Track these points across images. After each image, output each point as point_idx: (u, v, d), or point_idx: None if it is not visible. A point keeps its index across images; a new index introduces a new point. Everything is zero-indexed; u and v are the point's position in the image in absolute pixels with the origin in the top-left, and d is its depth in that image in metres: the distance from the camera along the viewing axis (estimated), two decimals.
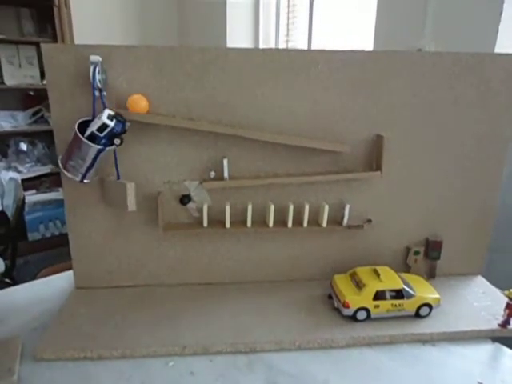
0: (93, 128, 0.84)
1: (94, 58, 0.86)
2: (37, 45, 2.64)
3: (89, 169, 0.88)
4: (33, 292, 1.06)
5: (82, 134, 0.84)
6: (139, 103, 0.90)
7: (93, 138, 0.84)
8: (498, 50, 1.46)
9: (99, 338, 0.85)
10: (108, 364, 0.80)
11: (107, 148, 0.86)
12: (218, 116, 0.95)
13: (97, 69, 0.86)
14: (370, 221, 1.06)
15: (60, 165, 0.89)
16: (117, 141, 0.86)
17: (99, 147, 0.85)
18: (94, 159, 0.86)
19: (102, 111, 0.85)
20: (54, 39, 2.58)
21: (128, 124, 0.87)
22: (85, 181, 0.90)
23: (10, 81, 2.63)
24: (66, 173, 0.89)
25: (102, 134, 0.84)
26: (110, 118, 0.84)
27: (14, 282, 1.83)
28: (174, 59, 0.91)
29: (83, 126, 0.86)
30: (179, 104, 0.94)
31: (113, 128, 0.84)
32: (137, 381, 0.76)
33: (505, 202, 1.19)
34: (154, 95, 0.93)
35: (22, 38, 2.63)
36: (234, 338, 0.86)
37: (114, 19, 3.14)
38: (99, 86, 0.87)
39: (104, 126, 0.83)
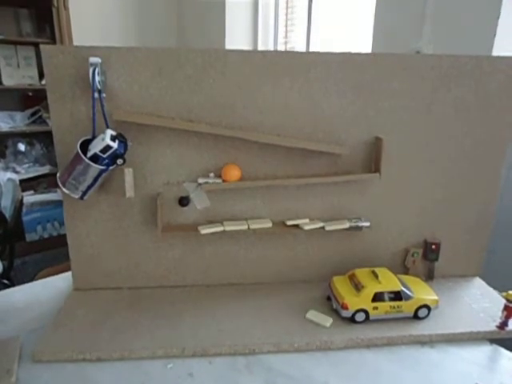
0: (96, 149, 0.84)
1: (93, 59, 0.86)
2: (35, 45, 2.63)
3: (89, 187, 0.88)
4: (31, 293, 1.06)
5: (84, 152, 0.84)
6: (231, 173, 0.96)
7: (95, 158, 0.85)
8: (495, 53, 1.47)
9: (98, 339, 0.85)
10: (107, 366, 0.80)
11: (110, 168, 0.87)
12: (218, 118, 0.96)
13: (96, 70, 0.86)
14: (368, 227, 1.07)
15: (59, 182, 0.89)
16: (120, 161, 0.87)
17: (102, 168, 0.85)
18: (96, 179, 0.87)
19: (103, 131, 0.85)
20: (53, 40, 2.58)
21: (130, 144, 0.88)
22: (84, 198, 0.90)
23: (8, 81, 2.62)
24: (64, 190, 0.89)
25: (105, 155, 0.85)
26: (113, 138, 0.84)
27: (12, 283, 1.82)
28: (174, 61, 0.91)
29: (83, 144, 0.86)
30: (179, 106, 0.94)
31: (116, 149, 0.85)
32: (136, 383, 0.76)
33: (503, 204, 1.19)
34: (154, 97, 0.93)
35: (21, 39, 2.62)
36: (233, 340, 0.86)
37: (113, 20, 3.13)
38: (99, 87, 0.87)
39: (107, 148, 0.84)
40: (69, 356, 0.81)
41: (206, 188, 0.98)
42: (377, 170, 1.01)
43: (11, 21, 2.62)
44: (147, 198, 1.00)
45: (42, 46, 0.88)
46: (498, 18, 1.44)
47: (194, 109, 0.95)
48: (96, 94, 0.87)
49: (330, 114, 0.99)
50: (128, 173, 0.90)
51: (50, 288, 1.08)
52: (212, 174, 0.98)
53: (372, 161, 1.02)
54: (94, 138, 0.88)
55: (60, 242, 1.35)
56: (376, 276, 0.94)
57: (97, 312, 0.95)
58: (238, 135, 0.95)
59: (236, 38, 2.98)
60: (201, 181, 0.98)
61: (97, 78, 0.86)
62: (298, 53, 0.97)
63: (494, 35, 1.46)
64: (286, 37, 2.90)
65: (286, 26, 2.88)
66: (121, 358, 0.82)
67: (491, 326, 0.92)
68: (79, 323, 0.91)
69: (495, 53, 1.47)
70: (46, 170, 2.81)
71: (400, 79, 0.98)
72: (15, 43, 2.61)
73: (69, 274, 1.06)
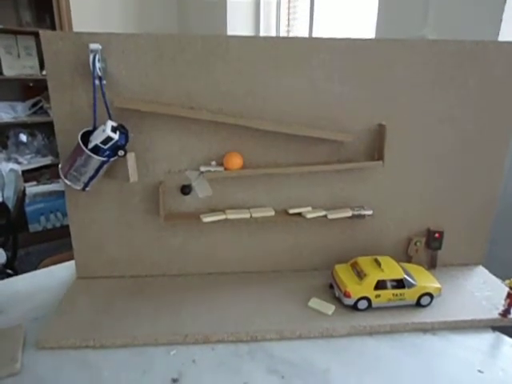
0: (97, 141, 0.84)
1: (93, 45, 0.85)
2: (35, 35, 2.61)
3: (91, 178, 0.88)
4: (35, 282, 1.07)
5: (85, 144, 0.84)
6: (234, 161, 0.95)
7: (96, 149, 0.84)
8: (501, 39, 1.44)
9: (101, 326, 0.86)
10: (110, 352, 0.81)
11: (111, 159, 0.86)
12: (219, 105, 0.95)
13: (96, 57, 0.85)
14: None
15: (60, 174, 0.89)
16: (121, 152, 0.86)
17: (103, 159, 0.85)
18: (97, 170, 0.87)
19: (104, 122, 0.84)
20: (53, 29, 2.56)
21: (131, 135, 0.88)
22: (86, 189, 0.90)
23: (8, 71, 2.61)
24: (66, 181, 0.89)
25: (106, 147, 0.84)
26: (114, 130, 0.84)
27: (16, 273, 1.83)
28: (175, 47, 0.90)
29: (85, 135, 0.86)
30: (180, 93, 0.93)
31: (117, 141, 0.84)
32: (139, 369, 0.77)
33: (506, 192, 1.18)
34: (154, 84, 0.92)
35: (21, 28, 2.60)
36: (235, 327, 0.86)
37: (113, 7, 3.10)
38: (99, 74, 0.86)
39: (108, 139, 0.83)
40: (72, 343, 0.82)
41: (208, 176, 0.98)
42: (380, 157, 1.00)
43: (11, 10, 2.60)
44: (149, 187, 0.99)
45: (41, 32, 0.87)
46: (505, 3, 1.41)
47: (195, 96, 0.94)
48: (97, 81, 0.86)
49: (333, 101, 0.98)
50: (130, 157, 0.90)
51: (53, 277, 1.08)
52: (214, 163, 0.98)
53: (375, 148, 1.02)
54: (94, 128, 0.87)
55: (63, 232, 1.35)
56: (379, 264, 0.94)
57: (100, 300, 0.95)
58: (239, 123, 0.94)
59: (238, 26, 2.94)
60: (203, 169, 0.97)
61: (97, 65, 0.85)
62: (300, 38, 0.95)
63: (500, 21, 1.44)
64: (288, 25, 2.87)
65: (289, 14, 2.84)
66: (124, 345, 0.82)
67: (494, 313, 0.92)
68: (82, 311, 0.91)
69: (501, 39, 1.44)
70: (48, 160, 2.82)
71: (404, 65, 0.97)
72: (15, 33, 2.59)
73: (71, 262, 1.06)
